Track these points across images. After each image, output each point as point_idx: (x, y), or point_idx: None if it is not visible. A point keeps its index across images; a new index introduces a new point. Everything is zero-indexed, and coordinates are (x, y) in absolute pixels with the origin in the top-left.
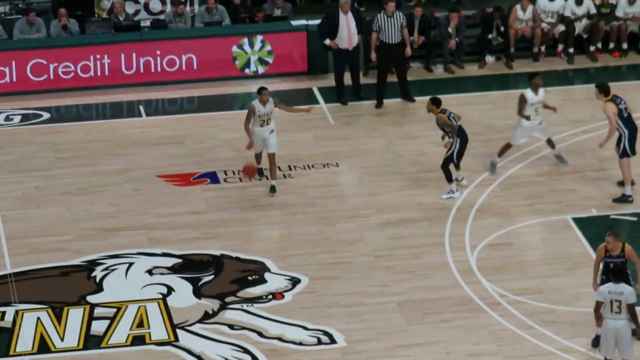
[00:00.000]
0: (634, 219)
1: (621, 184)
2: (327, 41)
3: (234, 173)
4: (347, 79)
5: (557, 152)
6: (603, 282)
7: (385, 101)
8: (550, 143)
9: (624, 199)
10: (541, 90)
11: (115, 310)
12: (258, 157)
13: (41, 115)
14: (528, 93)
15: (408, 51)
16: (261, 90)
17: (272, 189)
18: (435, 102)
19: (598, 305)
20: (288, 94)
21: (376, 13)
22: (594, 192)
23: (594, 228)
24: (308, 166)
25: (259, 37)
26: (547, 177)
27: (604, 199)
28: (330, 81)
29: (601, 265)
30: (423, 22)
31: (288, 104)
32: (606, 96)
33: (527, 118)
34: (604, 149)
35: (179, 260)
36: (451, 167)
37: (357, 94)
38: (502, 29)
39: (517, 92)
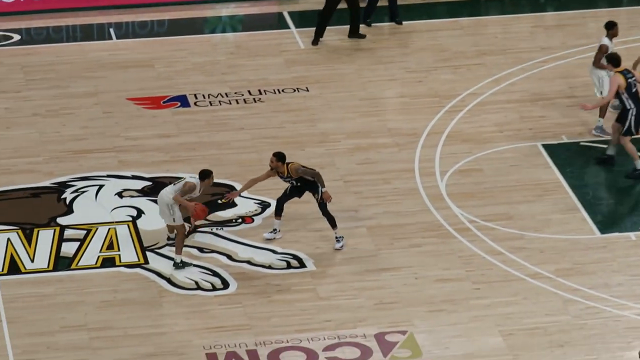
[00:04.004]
0: (604, 146)
1: (605, 161)
2: None
3: (204, 97)
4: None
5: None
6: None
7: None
8: None
9: (637, 174)
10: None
11: (85, 232)
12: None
13: (12, 37)
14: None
15: None
16: (210, 174)
17: (182, 265)
18: (281, 158)
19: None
20: (258, 18)
21: None
22: (565, 119)
23: (564, 155)
24: (278, 90)
25: None
26: (517, 104)
27: (574, 125)
28: (300, 5)
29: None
30: None
31: (258, 29)
32: (615, 67)
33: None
34: (586, 111)
35: (149, 183)
36: None
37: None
38: None
39: (488, 18)
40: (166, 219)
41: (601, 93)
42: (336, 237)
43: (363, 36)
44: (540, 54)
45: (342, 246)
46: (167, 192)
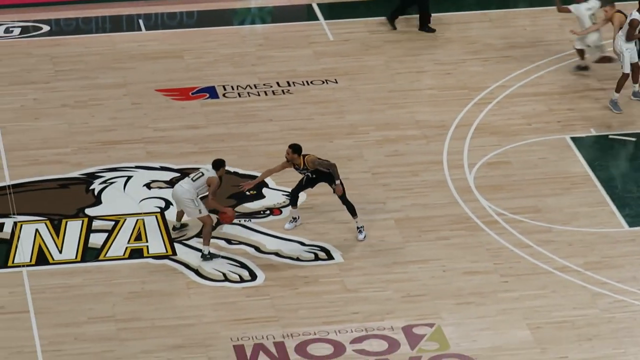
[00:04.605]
0: (633, 139)
1: None
2: None
3: (232, 88)
4: None
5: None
6: None
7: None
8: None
9: None
10: None
11: (113, 223)
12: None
13: (41, 28)
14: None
15: None
16: (223, 163)
17: (209, 256)
18: (297, 150)
19: None
20: (287, 10)
21: None
22: (593, 112)
23: (593, 148)
24: (307, 82)
25: None
26: (546, 96)
27: (603, 118)
28: None
29: None
30: None
31: (287, 20)
32: None
33: None
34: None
35: (177, 175)
36: None
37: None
38: None
39: (516, 10)
40: (192, 212)
41: (622, 67)
42: (357, 228)
43: (433, 30)
44: (568, 46)
45: (364, 237)
46: (187, 188)
